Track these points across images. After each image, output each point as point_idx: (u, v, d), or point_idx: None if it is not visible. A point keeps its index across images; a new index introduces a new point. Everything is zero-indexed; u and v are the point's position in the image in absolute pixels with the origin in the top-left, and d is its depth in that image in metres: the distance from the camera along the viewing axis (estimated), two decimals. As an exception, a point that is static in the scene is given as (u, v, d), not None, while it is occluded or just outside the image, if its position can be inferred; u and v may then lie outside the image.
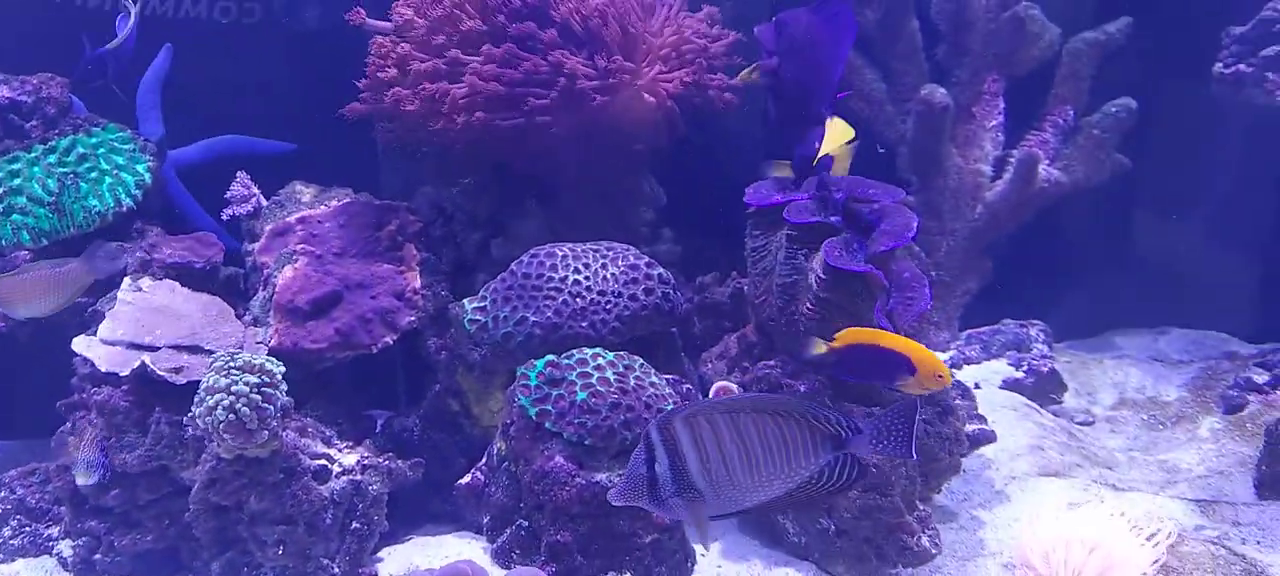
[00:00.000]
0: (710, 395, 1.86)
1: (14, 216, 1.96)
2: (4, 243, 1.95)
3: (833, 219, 1.81)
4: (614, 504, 1.36)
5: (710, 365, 2.00)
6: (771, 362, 1.89)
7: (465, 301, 1.89)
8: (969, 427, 2.01)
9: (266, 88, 2.29)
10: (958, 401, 1.96)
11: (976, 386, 2.21)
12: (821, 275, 1.77)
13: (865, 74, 2.39)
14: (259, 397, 1.62)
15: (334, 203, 2.06)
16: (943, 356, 2.34)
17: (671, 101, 1.96)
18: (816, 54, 1.76)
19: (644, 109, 1.95)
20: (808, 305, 1.80)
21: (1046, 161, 2.34)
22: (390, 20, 1.98)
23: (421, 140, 1.98)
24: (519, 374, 1.77)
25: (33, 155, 2.02)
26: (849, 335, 1.62)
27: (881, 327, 1.72)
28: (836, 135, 1.78)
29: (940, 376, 1.59)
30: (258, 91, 2.28)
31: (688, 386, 1.88)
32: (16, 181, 1.98)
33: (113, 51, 2.02)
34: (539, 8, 1.90)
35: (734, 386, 1.86)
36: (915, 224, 1.79)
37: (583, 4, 1.91)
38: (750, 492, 1.35)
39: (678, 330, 1.96)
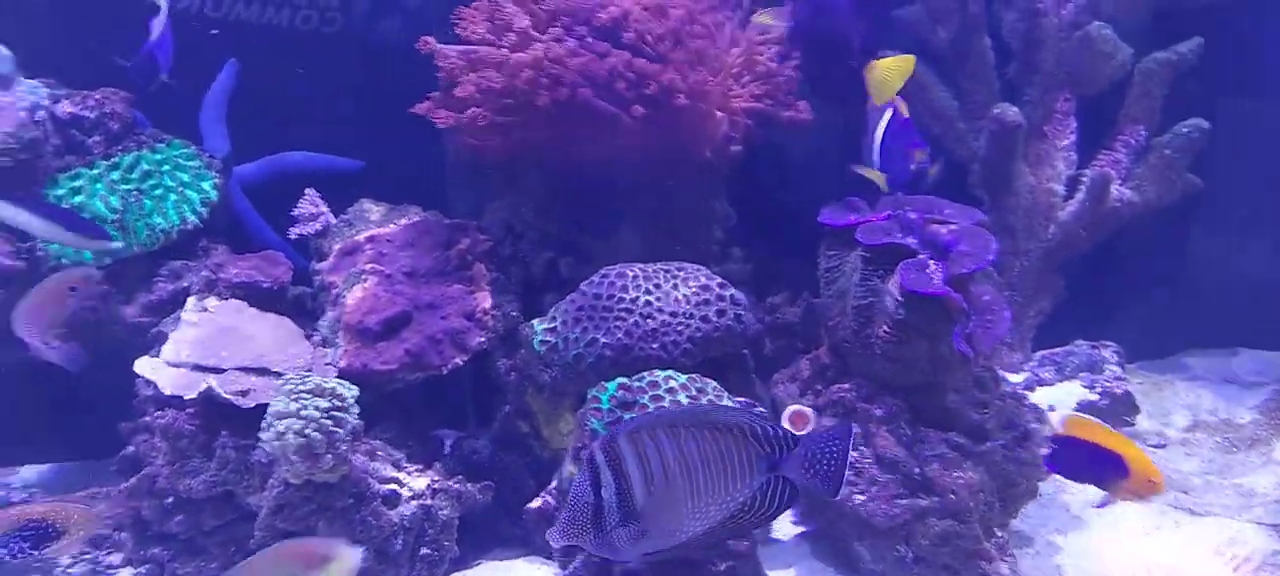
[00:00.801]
0: (783, 419, 1.81)
1: (78, 234, 1.92)
2: (66, 260, 1.91)
3: (909, 240, 1.76)
4: (555, 544, 1.26)
5: (781, 387, 1.95)
6: (846, 386, 1.84)
7: (535, 322, 1.85)
8: (1047, 452, 1.95)
9: (338, 100, 2.25)
10: (1034, 425, 1.91)
11: (1051, 409, 2.15)
12: (898, 298, 1.72)
13: (936, 91, 2.33)
14: (330, 422, 1.58)
15: (403, 221, 2.02)
16: (1016, 378, 2.28)
17: (743, 118, 1.91)
18: (834, 13, 1.71)
19: (715, 126, 1.90)
20: (884, 328, 1.75)
21: (1119, 181, 2.28)
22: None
23: (494, 150, 1.93)
24: (589, 396, 1.72)
25: (95, 171, 1.99)
26: (1075, 424, 1.55)
27: (961, 352, 1.68)
28: (887, 72, 1.72)
29: (1154, 483, 1.51)
30: (329, 103, 2.23)
31: (760, 409, 1.83)
32: (79, 198, 1.95)
33: (157, 45, 1.94)
34: (611, 30, 1.86)
35: (808, 410, 1.81)
36: (995, 246, 1.74)
37: (653, 25, 1.87)
38: (688, 520, 1.26)
39: (748, 351, 1.91)
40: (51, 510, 1.44)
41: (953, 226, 1.78)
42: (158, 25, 1.92)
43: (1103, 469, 1.53)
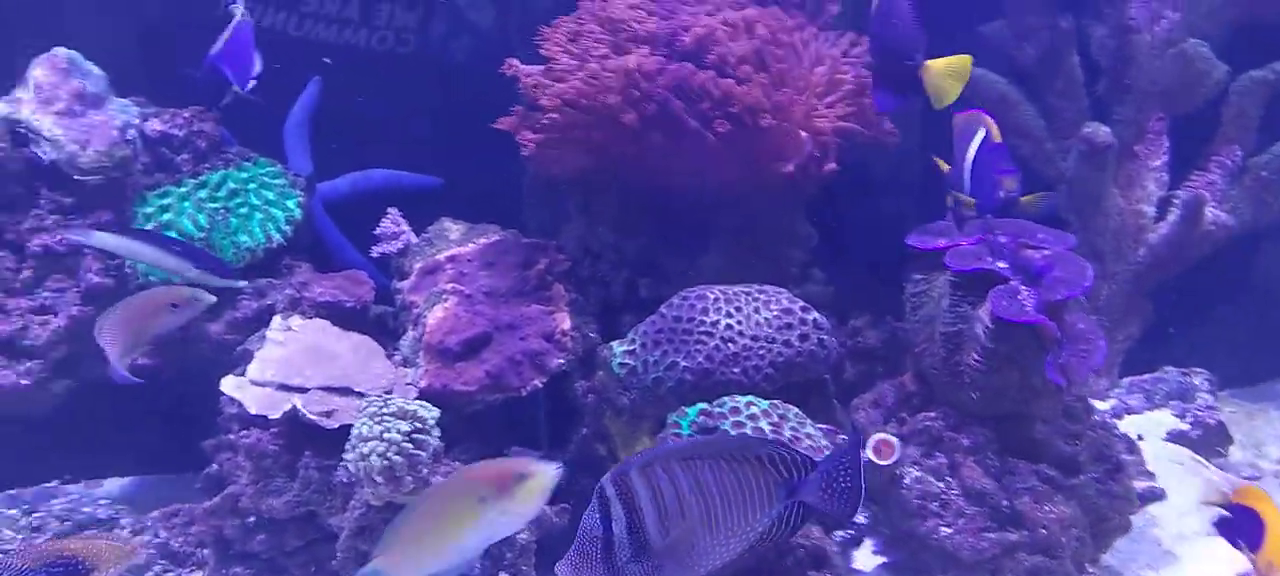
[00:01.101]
0: (867, 448, 1.77)
1: (165, 252, 1.95)
2: (153, 278, 1.93)
3: (999, 265, 1.71)
4: None
5: (863, 412, 1.91)
6: (932, 414, 1.79)
7: (614, 344, 1.83)
8: (1139, 485, 1.89)
9: (414, 118, 2.25)
10: (1125, 457, 1.85)
11: (1139, 438, 2.08)
12: (989, 325, 1.67)
13: (1024, 110, 2.27)
14: (411, 445, 1.58)
15: (482, 240, 2.01)
16: (1103, 405, 2.21)
17: (830, 138, 1.87)
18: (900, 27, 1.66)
19: (798, 145, 1.87)
20: (974, 357, 1.70)
21: (1213, 203, 2.20)
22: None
23: (573, 168, 1.92)
24: (670, 422, 1.70)
25: (183, 189, 2.01)
26: (1247, 494, 1.52)
27: (1053, 382, 1.62)
28: (945, 73, 1.66)
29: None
30: (406, 122, 2.23)
31: (842, 436, 1.79)
32: (167, 216, 1.97)
33: (224, 56, 1.91)
34: (694, 52, 1.84)
35: (893, 438, 1.77)
36: (1090, 272, 1.68)
37: (736, 45, 1.84)
38: (705, 554, 1.20)
39: (830, 376, 1.87)
40: (84, 547, 1.43)
41: (1046, 252, 1.72)
42: (224, 36, 1.90)
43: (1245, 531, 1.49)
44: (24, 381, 1.84)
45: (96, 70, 1.99)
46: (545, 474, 1.34)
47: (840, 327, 2.01)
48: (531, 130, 1.88)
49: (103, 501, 1.82)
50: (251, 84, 1.86)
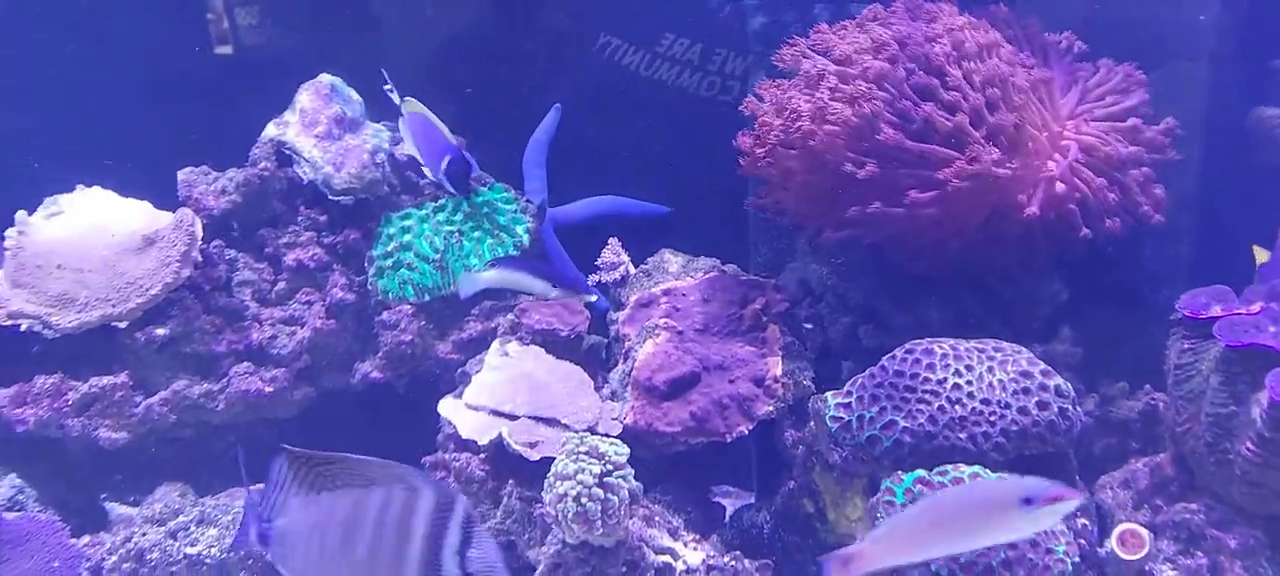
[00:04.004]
0: (1112, 537, 1.51)
1: (402, 271, 1.98)
2: (391, 297, 1.97)
3: (1288, 341, 1.41)
4: None
5: (1110, 493, 1.64)
6: (1193, 506, 1.51)
7: (828, 395, 1.67)
8: None
9: (644, 147, 2.19)
10: None
11: None
12: (1267, 411, 1.37)
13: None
14: (601, 490, 1.49)
15: (700, 274, 1.91)
16: None
17: (1074, 205, 1.62)
18: None
19: (1042, 186, 1.63)
20: (1248, 446, 1.41)
21: None
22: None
23: (799, 213, 1.78)
24: (883, 487, 1.52)
25: (423, 212, 2.04)
26: None
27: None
28: None
29: None
30: (633, 150, 2.18)
31: (1084, 521, 1.54)
32: (407, 237, 2.00)
33: (423, 150, 1.89)
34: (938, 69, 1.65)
35: (1143, 531, 1.49)
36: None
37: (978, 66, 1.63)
38: None
39: (1072, 449, 1.62)
40: None
41: (1347, 327, 1.40)
42: (407, 136, 1.90)
43: None
44: (268, 388, 1.91)
45: (355, 96, 2.05)
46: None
47: (1088, 395, 1.74)
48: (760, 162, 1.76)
49: (335, 502, 1.87)
50: (444, 163, 1.85)
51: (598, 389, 1.81)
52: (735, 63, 2.18)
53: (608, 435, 1.63)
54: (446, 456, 1.77)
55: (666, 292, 1.89)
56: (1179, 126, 1.67)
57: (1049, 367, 1.59)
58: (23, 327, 1.80)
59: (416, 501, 1.04)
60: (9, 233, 1.88)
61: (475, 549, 1.03)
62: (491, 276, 1.79)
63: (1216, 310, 1.49)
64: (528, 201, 2.07)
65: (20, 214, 1.90)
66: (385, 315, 1.96)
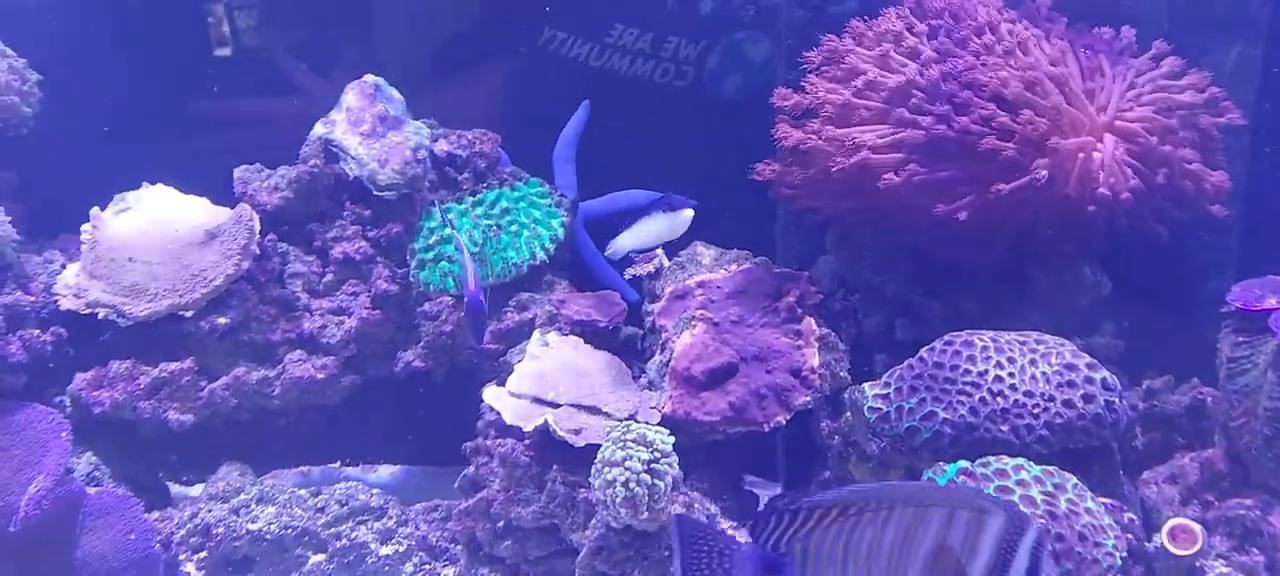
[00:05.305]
0: (1162, 532, 1.36)
1: (442, 264, 1.87)
2: (432, 288, 1.87)
3: (1350, 334, 1.26)
4: None
5: (1155, 488, 1.49)
6: (1248, 502, 1.36)
7: (866, 386, 1.53)
8: None
9: (672, 142, 2.06)
10: None
11: None
12: (1329, 404, 1.23)
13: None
14: (649, 476, 1.40)
15: (734, 267, 1.78)
16: None
17: (1124, 190, 1.47)
18: None
19: (1084, 173, 1.48)
20: (1310, 440, 1.26)
21: None
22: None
23: (827, 207, 1.65)
24: (926, 478, 1.39)
25: (463, 206, 1.93)
26: None
27: None
28: None
29: None
30: (664, 145, 2.05)
31: (1130, 515, 1.39)
32: (447, 231, 1.90)
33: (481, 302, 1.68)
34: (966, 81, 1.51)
35: (1196, 526, 1.35)
36: None
37: (1019, 71, 1.49)
38: None
39: (1117, 444, 1.47)
40: None
41: None
42: (468, 267, 1.69)
43: None
44: (319, 375, 1.83)
45: (397, 94, 1.94)
46: None
47: (1132, 389, 1.59)
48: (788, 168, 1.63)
49: (376, 491, 1.78)
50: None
51: (635, 379, 1.69)
52: (688, 49, 2.03)
53: (648, 424, 1.52)
54: (488, 442, 1.66)
55: (701, 285, 1.76)
56: (1236, 116, 1.52)
57: (1094, 361, 1.45)
58: (100, 316, 1.78)
59: (985, 523, 0.92)
60: (84, 228, 1.85)
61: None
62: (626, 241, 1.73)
63: (1271, 302, 1.34)
64: (562, 196, 1.97)
65: (94, 210, 1.86)
66: (426, 306, 1.85)
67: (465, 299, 1.69)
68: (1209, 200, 1.51)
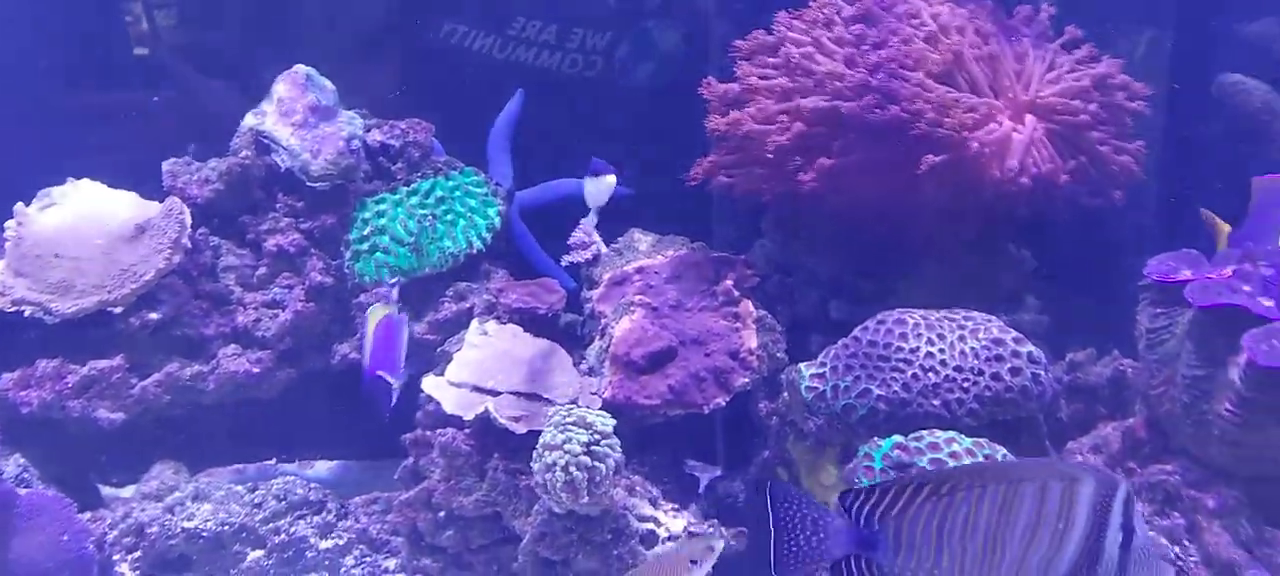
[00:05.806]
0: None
1: (377, 254, 1.81)
2: (367, 279, 1.80)
3: (1262, 303, 1.27)
4: None
5: (1080, 457, 1.49)
6: (1169, 467, 1.37)
7: (802, 366, 1.51)
8: None
9: (610, 133, 2.02)
10: None
11: None
12: (1245, 372, 1.24)
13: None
14: (588, 458, 1.35)
15: (671, 252, 1.75)
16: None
17: (1039, 172, 1.47)
18: None
19: (1006, 154, 1.48)
20: (1227, 407, 1.27)
21: None
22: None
23: (764, 191, 1.63)
24: (861, 453, 1.37)
25: (397, 197, 1.87)
26: None
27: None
28: None
29: None
30: (596, 135, 2.01)
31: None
32: (382, 221, 1.83)
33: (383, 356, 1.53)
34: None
35: (1119, 492, 1.35)
36: (1382, 315, 1.22)
37: (945, 50, 1.48)
38: None
39: (1043, 415, 1.48)
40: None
41: (1321, 288, 1.27)
42: (373, 330, 1.53)
43: None
44: (254, 369, 1.76)
45: (329, 85, 1.87)
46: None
47: (1057, 361, 1.60)
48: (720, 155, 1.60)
49: (314, 485, 1.71)
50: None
51: (576, 365, 1.65)
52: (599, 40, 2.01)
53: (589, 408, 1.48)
54: (428, 433, 1.61)
55: (639, 270, 1.72)
56: (1148, 90, 1.53)
57: (1021, 335, 1.45)
58: (26, 314, 1.70)
59: (1077, 491, 0.89)
60: (8, 224, 1.76)
61: (1137, 531, 0.89)
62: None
63: (1186, 273, 1.35)
64: (497, 186, 1.92)
65: (18, 206, 1.77)
66: (362, 298, 1.79)
67: (363, 376, 1.54)
68: (1119, 183, 1.52)
